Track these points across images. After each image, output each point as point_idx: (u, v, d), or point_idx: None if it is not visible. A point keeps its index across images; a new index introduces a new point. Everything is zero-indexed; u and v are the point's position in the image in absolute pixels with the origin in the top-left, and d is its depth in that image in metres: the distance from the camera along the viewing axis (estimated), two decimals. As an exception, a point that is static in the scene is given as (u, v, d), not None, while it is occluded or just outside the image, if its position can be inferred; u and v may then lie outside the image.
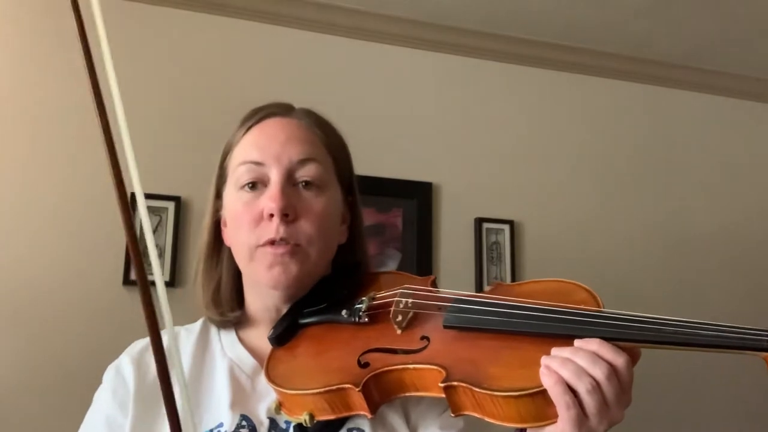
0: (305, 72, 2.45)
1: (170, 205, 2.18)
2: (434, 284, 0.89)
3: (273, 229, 0.85)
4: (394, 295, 0.85)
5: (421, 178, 2.52)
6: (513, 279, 2.56)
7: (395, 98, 2.57)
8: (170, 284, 2.15)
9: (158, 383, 0.86)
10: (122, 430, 0.85)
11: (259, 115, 0.94)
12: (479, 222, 2.56)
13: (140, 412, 0.85)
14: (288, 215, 0.86)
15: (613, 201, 2.78)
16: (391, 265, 2.42)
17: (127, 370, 0.90)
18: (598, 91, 2.85)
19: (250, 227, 0.87)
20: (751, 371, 2.66)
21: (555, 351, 0.68)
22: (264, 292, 0.91)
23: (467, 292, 0.83)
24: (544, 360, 0.67)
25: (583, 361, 0.65)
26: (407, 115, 2.57)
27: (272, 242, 0.86)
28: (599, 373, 0.65)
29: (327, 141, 0.94)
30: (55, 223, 2.10)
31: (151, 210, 2.17)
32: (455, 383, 0.70)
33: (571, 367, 0.65)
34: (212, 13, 2.38)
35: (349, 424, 0.81)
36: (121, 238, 2.13)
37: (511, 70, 2.75)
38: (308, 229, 0.87)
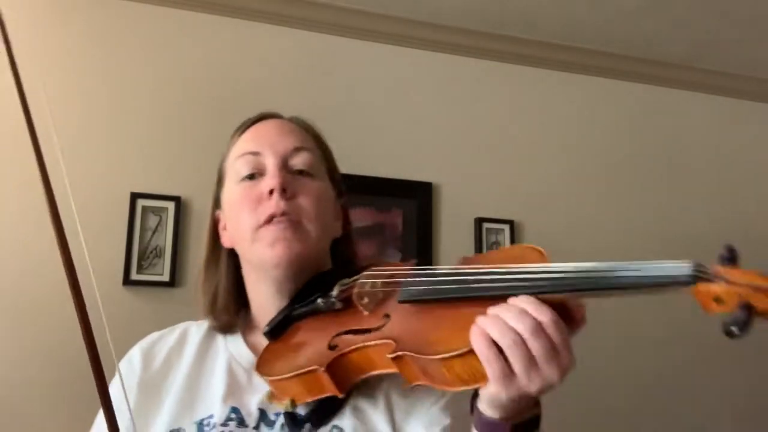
0: (305, 72, 2.44)
1: (170, 205, 2.18)
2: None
3: (273, 204, 0.88)
4: (359, 278, 0.88)
5: (421, 178, 2.52)
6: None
7: (395, 98, 2.57)
8: (170, 284, 2.15)
9: (161, 373, 0.91)
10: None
11: (250, 120, 1.00)
12: (479, 222, 2.56)
13: (141, 399, 0.89)
14: (286, 191, 0.89)
15: (613, 201, 2.77)
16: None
17: (136, 358, 0.94)
18: (598, 91, 2.85)
19: (251, 209, 0.90)
20: (747, 369, 2.66)
21: (489, 310, 0.69)
22: (265, 278, 0.93)
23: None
24: (477, 319, 0.68)
25: (508, 317, 0.66)
26: (407, 115, 2.57)
27: (272, 217, 0.88)
28: (522, 327, 0.65)
29: (316, 140, 1.00)
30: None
31: (151, 210, 2.18)
32: (401, 353, 0.72)
33: (497, 323, 0.66)
34: (212, 13, 2.38)
35: (335, 421, 0.83)
36: (121, 238, 2.14)
37: (511, 70, 2.75)
38: (306, 206, 0.90)
